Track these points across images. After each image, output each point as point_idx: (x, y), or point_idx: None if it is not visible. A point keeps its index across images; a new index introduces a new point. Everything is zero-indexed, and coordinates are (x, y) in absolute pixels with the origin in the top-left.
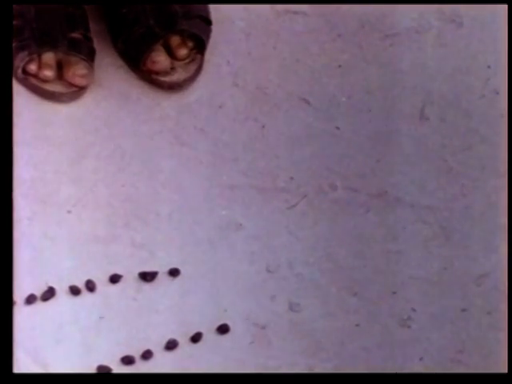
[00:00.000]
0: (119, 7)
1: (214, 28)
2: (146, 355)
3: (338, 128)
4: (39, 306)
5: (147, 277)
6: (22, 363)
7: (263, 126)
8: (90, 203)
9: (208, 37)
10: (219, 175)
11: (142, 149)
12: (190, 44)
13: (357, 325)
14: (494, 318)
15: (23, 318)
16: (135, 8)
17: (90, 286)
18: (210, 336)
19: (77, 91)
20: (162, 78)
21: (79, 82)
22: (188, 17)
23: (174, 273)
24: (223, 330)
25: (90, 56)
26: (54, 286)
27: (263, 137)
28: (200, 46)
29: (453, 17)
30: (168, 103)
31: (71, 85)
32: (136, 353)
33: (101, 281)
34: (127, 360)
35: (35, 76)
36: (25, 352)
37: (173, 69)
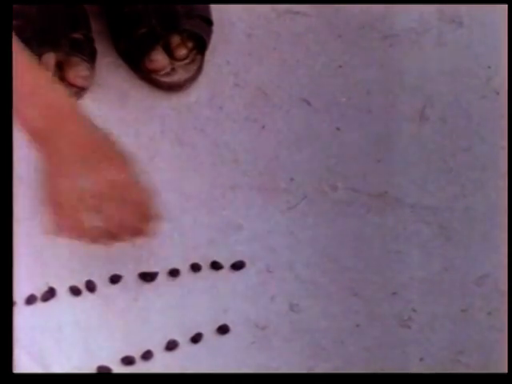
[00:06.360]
0: (121, 7)
1: (215, 28)
2: (146, 355)
3: (338, 128)
4: (39, 306)
5: (147, 277)
6: (22, 363)
7: (263, 127)
8: None
9: (209, 37)
10: (219, 175)
11: (142, 149)
12: (190, 44)
13: (357, 325)
14: (494, 319)
15: (23, 318)
16: (137, 8)
17: (90, 286)
18: (210, 336)
19: (77, 92)
20: (162, 79)
21: (80, 83)
22: (189, 16)
23: (173, 273)
24: (223, 330)
25: (91, 57)
26: (54, 286)
27: (263, 137)
28: (200, 47)
29: (453, 17)
30: (168, 103)
31: (71, 85)
32: (136, 353)
33: (101, 281)
34: (127, 360)
35: None
36: (25, 352)
37: (173, 69)
